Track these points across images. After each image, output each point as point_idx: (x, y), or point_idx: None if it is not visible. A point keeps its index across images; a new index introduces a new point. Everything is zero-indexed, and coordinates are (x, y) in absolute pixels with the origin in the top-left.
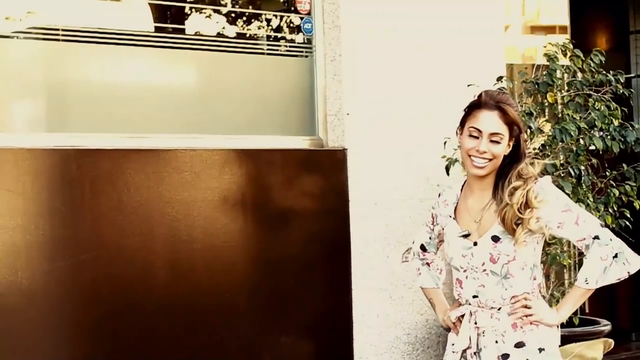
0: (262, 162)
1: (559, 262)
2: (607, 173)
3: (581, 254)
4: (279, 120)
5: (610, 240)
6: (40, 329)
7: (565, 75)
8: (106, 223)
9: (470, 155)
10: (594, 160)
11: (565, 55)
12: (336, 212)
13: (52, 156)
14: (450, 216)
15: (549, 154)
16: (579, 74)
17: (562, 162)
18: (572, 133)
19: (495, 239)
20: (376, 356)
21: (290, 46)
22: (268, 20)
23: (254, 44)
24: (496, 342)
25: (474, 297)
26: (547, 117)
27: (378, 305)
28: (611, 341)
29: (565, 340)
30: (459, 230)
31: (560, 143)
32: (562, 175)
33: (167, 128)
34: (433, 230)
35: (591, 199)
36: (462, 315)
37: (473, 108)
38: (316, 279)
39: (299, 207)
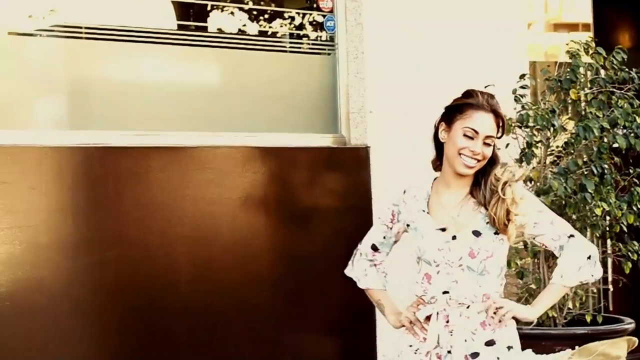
0: (285, 159)
1: None
2: (631, 171)
3: (605, 252)
4: (302, 117)
5: (584, 242)
6: (63, 327)
7: (589, 73)
8: (129, 221)
9: (461, 154)
10: (617, 159)
11: (587, 53)
12: (359, 209)
13: (75, 154)
14: (424, 210)
15: (572, 151)
16: (602, 72)
17: (585, 160)
18: (595, 131)
19: (477, 233)
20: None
21: (312, 44)
22: (291, 18)
23: (277, 41)
24: (465, 340)
25: (444, 292)
26: (570, 114)
27: (400, 302)
28: (635, 339)
29: (588, 338)
30: (434, 224)
31: (584, 141)
32: (585, 173)
33: (190, 126)
34: (391, 228)
35: (614, 198)
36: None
37: (468, 107)
38: (339, 277)
39: (322, 205)
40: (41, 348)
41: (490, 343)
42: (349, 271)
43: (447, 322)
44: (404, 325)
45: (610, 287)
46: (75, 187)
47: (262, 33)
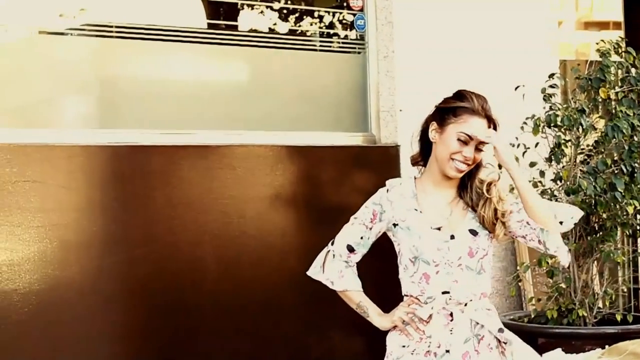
0: (314, 158)
1: (613, 259)
2: None
3: (635, 251)
4: (332, 116)
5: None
6: (92, 324)
7: (619, 72)
8: (158, 219)
9: (453, 159)
10: None
11: (617, 52)
12: None
13: (105, 152)
14: (416, 209)
15: (602, 150)
16: (632, 70)
17: (615, 159)
18: (624, 130)
19: (474, 232)
20: None
21: (342, 42)
22: (321, 17)
23: (307, 40)
24: (466, 340)
25: (444, 292)
26: (600, 113)
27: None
28: None
29: (618, 337)
30: (429, 223)
31: (613, 140)
32: (615, 172)
33: (220, 124)
34: (371, 228)
35: None
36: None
37: (463, 111)
38: (367, 276)
39: (352, 204)
40: (70, 345)
41: (502, 330)
42: (315, 273)
43: (452, 320)
44: (395, 327)
45: None
46: (105, 186)
47: (292, 32)
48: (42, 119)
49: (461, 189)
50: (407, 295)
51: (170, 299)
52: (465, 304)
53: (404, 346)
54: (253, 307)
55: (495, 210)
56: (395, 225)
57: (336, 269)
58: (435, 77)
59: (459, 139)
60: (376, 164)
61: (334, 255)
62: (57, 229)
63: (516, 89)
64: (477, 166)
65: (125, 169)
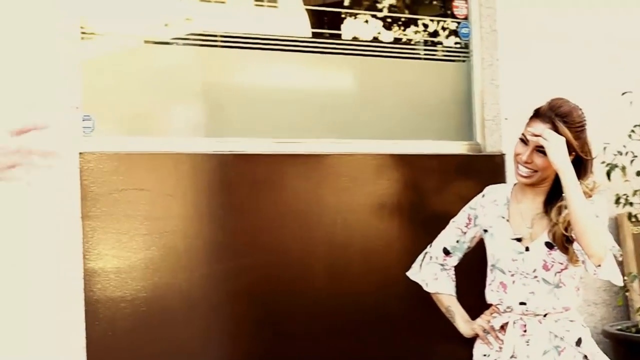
0: (419, 167)
1: None
2: None
3: None
4: (436, 125)
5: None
6: (199, 332)
7: None
8: (264, 227)
9: (517, 162)
10: None
11: None
12: None
13: (211, 161)
14: (503, 217)
15: None
16: None
17: None
18: None
19: (549, 245)
20: None
21: (447, 51)
22: (425, 25)
23: (411, 49)
24: (554, 347)
25: (521, 304)
26: None
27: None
28: None
29: None
30: (511, 233)
31: None
32: None
33: (325, 133)
34: (465, 233)
35: None
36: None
37: (533, 114)
38: (472, 284)
39: (456, 213)
40: (177, 353)
41: (579, 342)
42: (413, 274)
43: (525, 331)
44: (477, 335)
45: None
46: (211, 194)
47: (397, 40)
48: (148, 128)
49: (548, 201)
50: (490, 303)
51: (277, 306)
52: (545, 315)
53: (485, 355)
54: (361, 314)
55: (565, 235)
56: (485, 231)
57: (431, 272)
58: (540, 85)
59: (521, 140)
60: (481, 173)
61: (430, 257)
62: (164, 236)
63: (623, 94)
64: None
65: (231, 177)
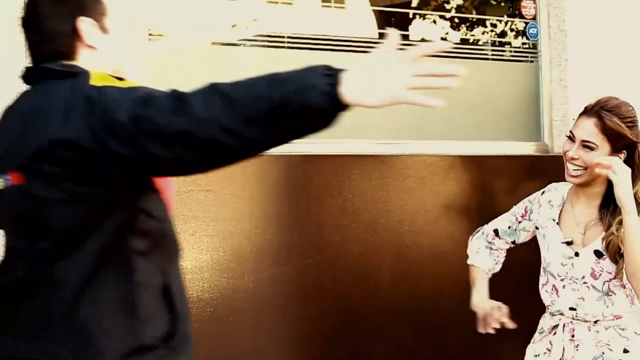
0: (487, 167)
1: None
2: None
3: None
4: (504, 125)
5: None
6: (266, 332)
7: None
8: (331, 228)
9: (566, 161)
10: None
11: None
12: None
13: (278, 162)
14: (554, 220)
15: None
16: None
17: None
18: None
19: (599, 254)
20: None
21: (515, 51)
22: (492, 26)
23: (479, 49)
24: (602, 354)
25: (571, 309)
26: None
27: None
28: None
29: None
30: (561, 236)
31: None
32: None
33: (392, 134)
34: (520, 222)
35: None
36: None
37: (580, 113)
38: (538, 286)
39: None
40: (245, 353)
41: (626, 351)
42: (468, 247)
43: (573, 336)
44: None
45: None
46: (278, 195)
47: (464, 41)
48: None
49: (604, 206)
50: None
51: (343, 307)
52: (596, 322)
53: (536, 355)
54: (428, 315)
55: (621, 248)
56: (537, 228)
57: (476, 245)
58: (609, 86)
59: (569, 138)
60: (549, 174)
61: (482, 233)
62: (231, 237)
63: None
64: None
65: (298, 178)
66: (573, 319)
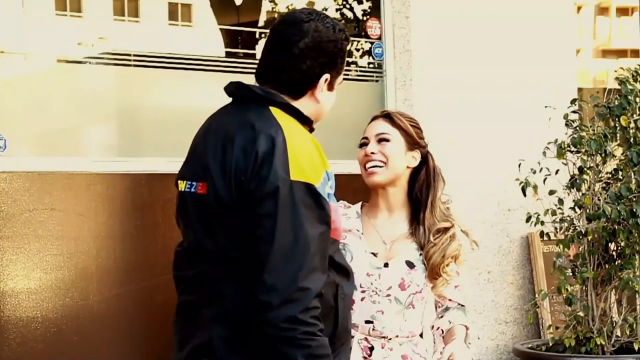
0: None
1: (631, 287)
2: None
3: None
4: (350, 144)
5: (466, 315)
6: (112, 352)
7: (637, 99)
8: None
9: (364, 165)
10: None
11: (636, 80)
12: None
13: (124, 181)
14: (358, 230)
15: (621, 178)
16: None
17: (632, 187)
18: None
19: (410, 265)
20: None
21: (360, 71)
22: None
23: None
24: None
25: (367, 322)
26: (619, 141)
27: None
28: None
29: None
30: (366, 246)
31: (635, 167)
32: (635, 200)
33: None
34: None
35: None
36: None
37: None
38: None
39: None
40: None
41: None
42: None
43: (369, 355)
44: None
45: None
46: (124, 214)
47: None
48: (61, 147)
49: (414, 222)
50: None
51: None
52: (390, 339)
53: None
54: None
55: (443, 265)
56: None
57: None
58: (453, 106)
59: (361, 146)
60: None
61: None
62: (76, 256)
63: (546, 107)
64: (426, 186)
65: (144, 197)
66: (369, 334)
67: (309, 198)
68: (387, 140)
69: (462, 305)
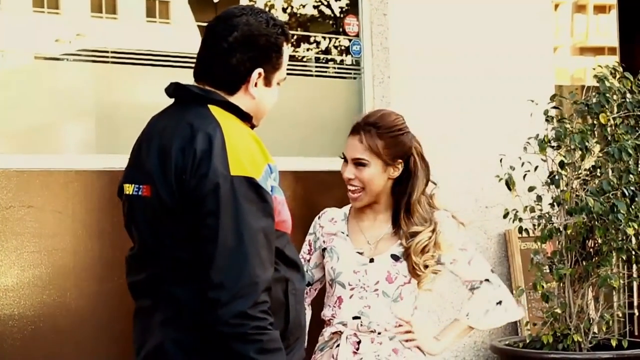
0: (311, 183)
1: (609, 284)
2: None
3: (630, 276)
4: (328, 141)
5: (499, 286)
6: (89, 351)
7: (615, 97)
8: None
9: (346, 182)
10: None
11: (615, 77)
12: None
13: (102, 178)
14: (343, 232)
15: (599, 175)
16: (629, 95)
17: (615, 183)
18: (630, 152)
19: (395, 257)
20: None
21: (338, 68)
22: (317, 42)
23: (303, 65)
24: None
25: (355, 318)
26: (597, 138)
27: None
28: None
29: None
30: (352, 247)
31: (615, 164)
32: (615, 195)
33: None
34: (309, 260)
35: None
36: (337, 333)
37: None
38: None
39: None
40: None
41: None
42: None
43: (357, 349)
44: None
45: (636, 311)
46: (102, 211)
47: (289, 57)
48: (38, 144)
49: (396, 224)
50: (323, 317)
51: None
52: (379, 333)
53: None
54: None
55: (423, 263)
56: (324, 250)
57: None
58: (431, 103)
59: (344, 160)
60: None
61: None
62: (53, 254)
63: (530, 100)
64: (410, 206)
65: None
66: (357, 330)
67: (251, 192)
68: (364, 165)
69: (486, 280)
